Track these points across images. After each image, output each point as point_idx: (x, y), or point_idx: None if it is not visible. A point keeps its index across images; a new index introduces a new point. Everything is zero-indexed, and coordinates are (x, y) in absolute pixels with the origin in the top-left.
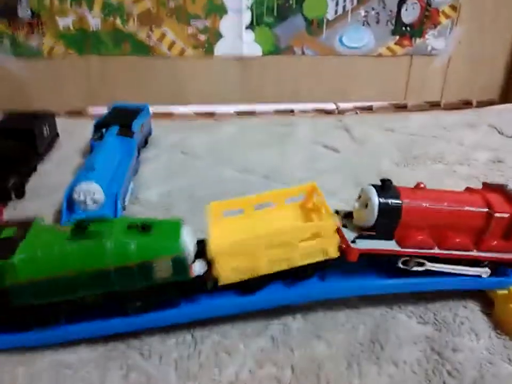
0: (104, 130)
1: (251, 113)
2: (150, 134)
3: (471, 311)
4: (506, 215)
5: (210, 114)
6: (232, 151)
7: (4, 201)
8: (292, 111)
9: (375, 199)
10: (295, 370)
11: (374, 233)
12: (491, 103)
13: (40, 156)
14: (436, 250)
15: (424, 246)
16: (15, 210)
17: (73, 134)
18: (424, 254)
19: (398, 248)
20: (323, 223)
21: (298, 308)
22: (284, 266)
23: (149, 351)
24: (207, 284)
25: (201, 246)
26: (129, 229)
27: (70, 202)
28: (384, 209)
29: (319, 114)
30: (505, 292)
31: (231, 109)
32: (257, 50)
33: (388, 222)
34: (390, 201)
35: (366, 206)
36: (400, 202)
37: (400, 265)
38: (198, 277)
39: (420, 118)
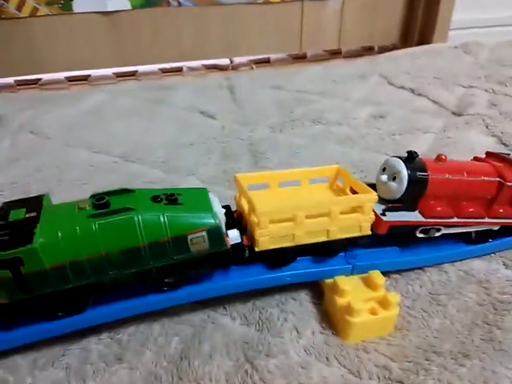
0: None
1: (132, 74)
2: None
3: (299, 305)
4: None
5: (85, 79)
6: (92, 126)
7: None
8: (180, 69)
9: (405, 172)
10: None
11: (400, 204)
12: (393, 48)
13: None
14: (455, 219)
15: (444, 216)
16: None
17: None
18: (445, 223)
19: (422, 219)
20: (365, 195)
21: (104, 326)
22: (322, 237)
23: None
24: (245, 252)
25: (229, 215)
26: (154, 201)
27: None
28: (413, 181)
29: (210, 71)
30: (332, 281)
31: (108, 71)
32: (124, 4)
33: (415, 193)
34: (418, 173)
35: (394, 178)
36: (427, 174)
37: (418, 235)
38: (234, 245)
39: (312, 71)
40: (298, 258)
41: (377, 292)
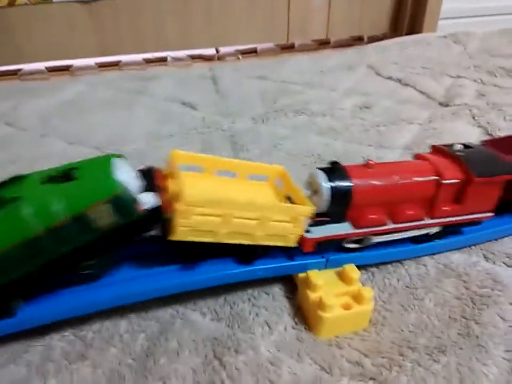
0: None
1: (115, 64)
2: None
3: (272, 299)
4: (454, 181)
5: (66, 69)
6: (70, 116)
7: None
8: (165, 59)
9: (325, 185)
10: None
11: (326, 218)
12: (382, 37)
13: None
14: (389, 226)
15: (377, 224)
16: None
17: None
18: (377, 231)
19: (352, 231)
20: (303, 208)
21: (69, 322)
22: (244, 240)
23: None
24: (163, 216)
25: (148, 177)
26: (47, 181)
27: None
28: (335, 194)
29: (195, 61)
30: (305, 275)
31: (91, 61)
32: None
33: (340, 205)
34: (340, 184)
35: (316, 192)
36: (351, 184)
37: (346, 245)
38: (150, 210)
39: (299, 62)
40: (268, 251)
41: (352, 286)
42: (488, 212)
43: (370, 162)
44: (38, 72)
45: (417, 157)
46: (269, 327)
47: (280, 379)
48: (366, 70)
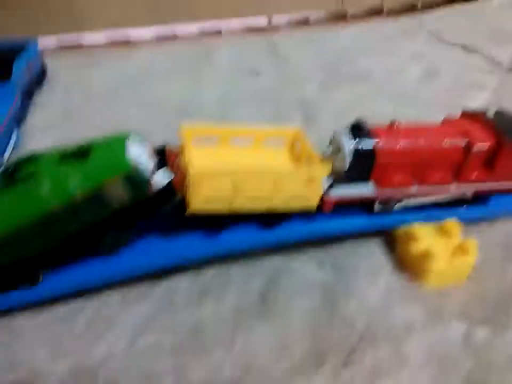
0: None
1: (171, 38)
2: (43, 73)
3: (371, 253)
4: (485, 146)
5: (124, 42)
6: (140, 86)
7: None
8: (219, 31)
9: (347, 145)
10: (177, 337)
11: (347, 178)
12: (436, 4)
13: None
14: (414, 189)
15: (402, 186)
16: None
17: None
18: (401, 195)
19: (374, 192)
20: (317, 169)
21: (185, 267)
22: (262, 207)
23: (18, 330)
24: (176, 195)
25: (161, 155)
26: (63, 159)
27: None
28: (357, 154)
29: (249, 32)
30: (406, 230)
31: (148, 32)
32: None
33: (363, 166)
34: (362, 145)
35: (338, 151)
36: (374, 144)
37: (377, 206)
38: (163, 188)
39: (355, 30)
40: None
41: (454, 239)
42: None
43: (395, 123)
44: (98, 45)
45: (446, 121)
46: (373, 277)
47: (393, 322)
48: (427, 37)
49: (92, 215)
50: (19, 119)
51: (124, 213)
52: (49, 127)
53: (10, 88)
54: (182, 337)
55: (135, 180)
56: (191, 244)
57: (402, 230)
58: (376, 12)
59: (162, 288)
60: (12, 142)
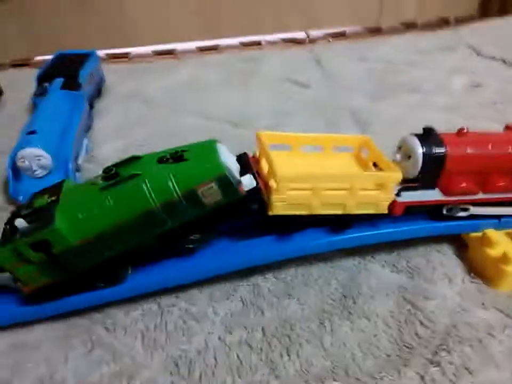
0: (47, 84)
1: (214, 48)
2: (102, 82)
3: (444, 256)
4: None
5: (169, 53)
6: (193, 95)
7: None
8: (259, 43)
9: (419, 150)
10: (266, 333)
11: (417, 184)
12: (469, 18)
13: None
14: (480, 196)
15: (468, 193)
16: None
17: (18, 89)
18: (468, 201)
19: (442, 198)
20: (389, 174)
21: (267, 267)
22: (338, 210)
23: (113, 324)
24: (263, 197)
25: (243, 161)
26: (161, 162)
27: (16, 170)
28: (428, 160)
29: (289, 45)
30: (479, 234)
31: (192, 45)
32: None
33: (432, 171)
34: (434, 150)
35: (409, 157)
36: (444, 150)
37: (445, 212)
38: (249, 191)
39: (395, 43)
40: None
41: None
42: None
43: (463, 130)
44: (145, 55)
45: (508, 128)
46: (449, 279)
47: (474, 323)
48: (466, 50)
49: (187, 214)
50: (88, 126)
51: (214, 213)
52: (113, 134)
53: (80, 97)
54: (271, 334)
55: (229, 182)
56: (266, 246)
57: (475, 235)
58: (411, 26)
59: (247, 287)
60: (84, 147)
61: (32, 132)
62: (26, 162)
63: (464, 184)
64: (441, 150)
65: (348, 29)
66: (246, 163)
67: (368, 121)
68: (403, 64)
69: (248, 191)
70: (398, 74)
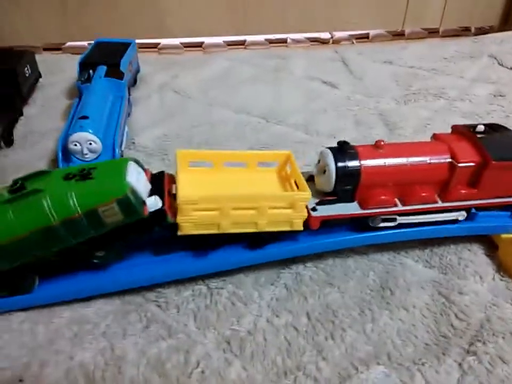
0: (91, 71)
1: (242, 44)
2: (138, 71)
3: (475, 254)
4: (470, 164)
5: (198, 46)
6: (225, 88)
7: None
8: (285, 41)
9: (332, 164)
10: (310, 318)
11: (334, 197)
12: (490, 29)
13: (24, 98)
14: (398, 207)
15: (385, 205)
16: (7, 159)
17: (55, 73)
18: (385, 213)
19: (358, 211)
20: (298, 194)
21: (307, 256)
22: (250, 229)
23: (166, 303)
24: (167, 219)
25: (159, 179)
26: (67, 179)
27: (65, 152)
28: (342, 174)
29: (313, 44)
30: (510, 235)
31: (220, 39)
32: None
33: (348, 185)
34: (347, 164)
35: (324, 171)
36: (359, 164)
37: (370, 224)
38: (154, 212)
39: (418, 48)
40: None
41: None
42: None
43: (380, 142)
44: (174, 47)
45: (435, 137)
46: (480, 277)
47: (505, 317)
48: (488, 60)
49: (88, 232)
50: (128, 113)
51: (118, 231)
52: (150, 123)
53: (123, 86)
54: (315, 319)
55: (130, 203)
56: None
57: (506, 236)
58: (432, 32)
59: (289, 274)
60: (125, 136)
61: (84, 117)
62: (78, 146)
63: (381, 196)
64: (355, 163)
65: (371, 32)
66: (161, 182)
67: (396, 123)
68: (427, 69)
69: (153, 212)
70: (422, 79)
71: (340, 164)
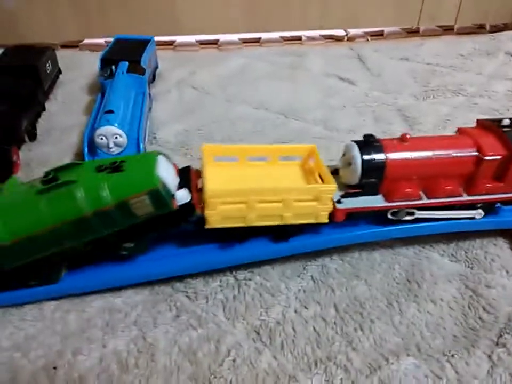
0: (113, 67)
1: (257, 41)
2: (156, 67)
3: (501, 249)
4: (496, 157)
5: (214, 43)
6: (242, 85)
7: (17, 144)
8: (300, 38)
9: (358, 157)
10: (338, 309)
11: (359, 190)
12: (504, 27)
13: (45, 94)
14: (423, 201)
15: (410, 198)
16: (31, 153)
17: (75, 69)
18: (410, 206)
19: (383, 204)
20: (324, 187)
21: (333, 249)
22: (276, 222)
23: (194, 294)
24: (195, 212)
25: (185, 174)
26: (99, 171)
27: (91, 146)
28: (368, 167)
29: (328, 41)
30: None
31: (235, 36)
32: None
33: (373, 178)
34: (373, 157)
35: (350, 164)
36: (384, 157)
37: (390, 216)
38: (183, 205)
39: (434, 45)
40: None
41: None
42: None
43: (406, 136)
44: (190, 44)
45: (460, 131)
46: (506, 271)
47: None
48: (505, 57)
49: (119, 223)
50: (149, 109)
51: (147, 224)
52: (171, 118)
53: (144, 81)
54: (343, 310)
55: (160, 196)
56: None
57: None
58: (447, 30)
59: (315, 267)
60: (147, 130)
61: (110, 111)
62: (104, 140)
63: (406, 189)
64: (381, 156)
65: (385, 29)
66: (187, 177)
67: (416, 118)
68: (444, 66)
69: (182, 205)
70: (440, 76)
71: (365, 157)
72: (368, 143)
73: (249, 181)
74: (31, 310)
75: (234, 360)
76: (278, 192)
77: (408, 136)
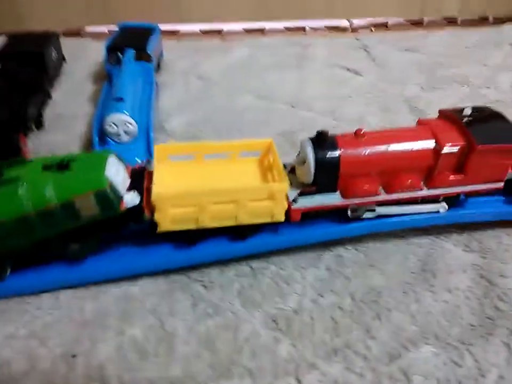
0: (119, 54)
1: (260, 31)
2: (161, 56)
3: None
4: (454, 149)
5: (218, 32)
6: (248, 75)
7: (24, 132)
8: (304, 28)
9: (311, 155)
10: (355, 299)
11: (314, 188)
12: (508, 20)
13: (50, 82)
14: (382, 197)
15: (367, 194)
16: (39, 141)
17: (79, 57)
18: (368, 202)
19: (340, 202)
20: (276, 186)
21: (347, 239)
22: (230, 223)
23: (210, 283)
24: (143, 216)
25: (139, 175)
26: (45, 169)
27: (101, 134)
28: (321, 164)
29: (332, 32)
30: None
31: (238, 26)
32: None
33: (328, 176)
34: (326, 154)
35: (304, 162)
36: (338, 154)
37: (349, 214)
38: (131, 209)
39: (439, 37)
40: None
41: None
42: (498, 182)
43: (360, 131)
44: (193, 34)
45: (420, 122)
46: None
47: None
48: (510, 49)
49: (63, 224)
50: (156, 97)
51: (94, 225)
52: (177, 108)
53: (151, 69)
54: (359, 299)
55: (107, 197)
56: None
57: None
58: (451, 21)
59: (329, 256)
60: (153, 120)
61: (120, 99)
62: (114, 127)
63: (362, 186)
64: (335, 153)
65: (390, 20)
66: (141, 178)
67: (423, 109)
68: (449, 57)
69: (130, 208)
70: (445, 67)
71: (318, 154)
72: (321, 140)
73: (203, 181)
74: (49, 299)
75: (253, 348)
76: (229, 193)
77: (363, 131)
